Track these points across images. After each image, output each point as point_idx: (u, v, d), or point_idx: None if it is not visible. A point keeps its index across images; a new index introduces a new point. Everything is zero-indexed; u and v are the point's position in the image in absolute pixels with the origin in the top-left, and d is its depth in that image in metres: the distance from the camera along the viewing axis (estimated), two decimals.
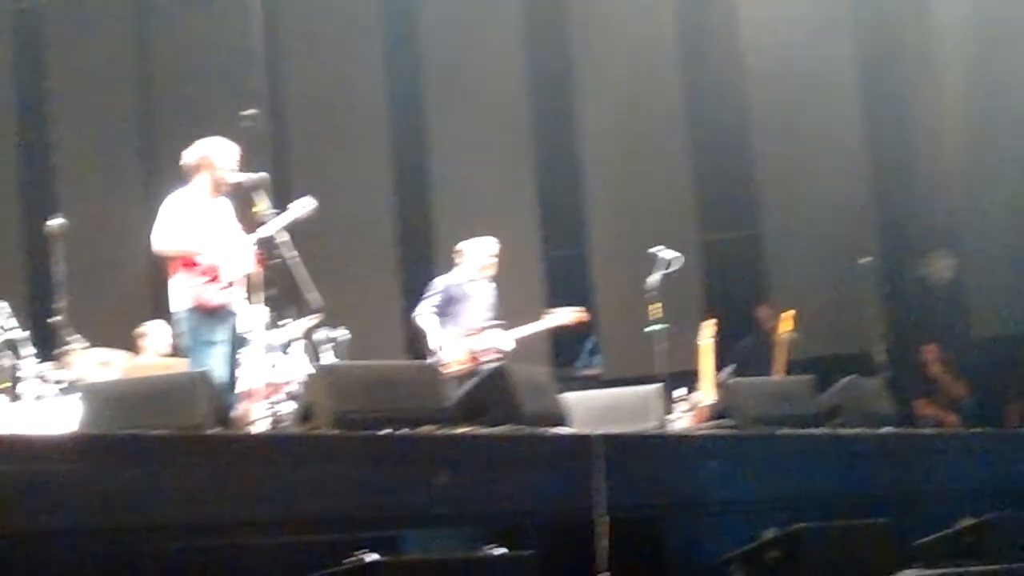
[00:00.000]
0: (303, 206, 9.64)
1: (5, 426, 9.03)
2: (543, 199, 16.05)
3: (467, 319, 11.55)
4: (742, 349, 13.74)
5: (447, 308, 11.54)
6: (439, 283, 11.71)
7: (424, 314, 11.58)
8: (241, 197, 9.30)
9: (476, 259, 11.71)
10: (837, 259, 14.21)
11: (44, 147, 16.41)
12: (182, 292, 9.21)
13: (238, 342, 9.35)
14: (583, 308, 11.65)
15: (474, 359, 11.32)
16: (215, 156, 9.36)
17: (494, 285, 11.80)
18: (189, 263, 9.18)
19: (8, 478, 5.79)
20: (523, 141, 16.21)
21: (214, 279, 9.19)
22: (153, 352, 11.41)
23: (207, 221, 9.31)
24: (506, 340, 11.52)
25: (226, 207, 9.42)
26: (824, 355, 13.33)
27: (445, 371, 10.48)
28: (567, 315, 11.74)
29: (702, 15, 16.04)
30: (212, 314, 9.16)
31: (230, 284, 9.19)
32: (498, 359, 11.17)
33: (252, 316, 9.44)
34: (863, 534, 8.03)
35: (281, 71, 16.58)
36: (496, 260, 11.76)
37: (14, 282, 14.53)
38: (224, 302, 9.17)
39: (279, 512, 6.50)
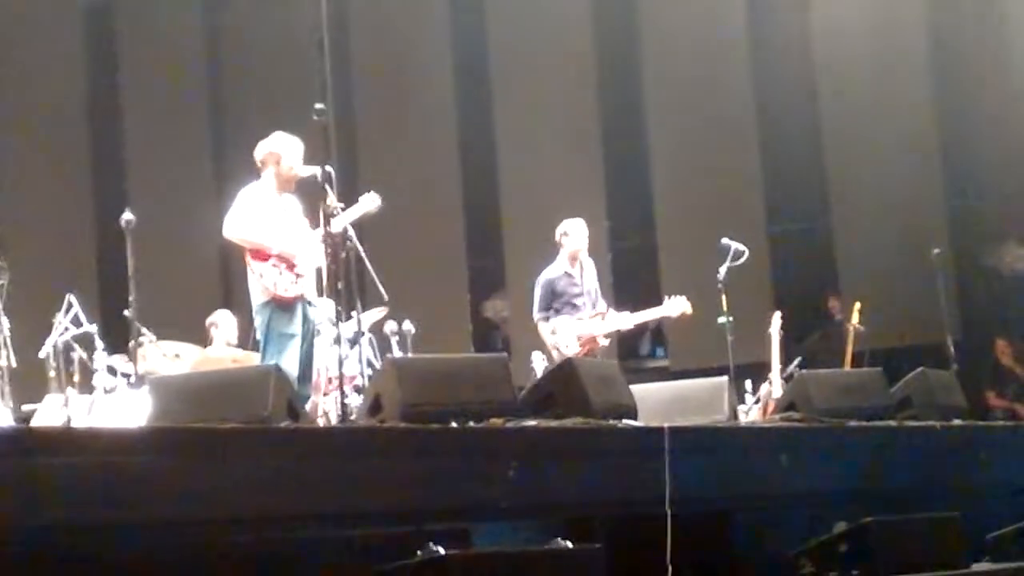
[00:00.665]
0: (370, 202, 9.67)
1: (77, 419, 9.11)
2: (610, 190, 16.03)
3: (577, 305, 11.45)
4: (807, 337, 13.68)
5: (556, 300, 11.45)
6: (543, 279, 11.59)
7: (538, 318, 11.49)
8: (309, 191, 9.33)
9: (574, 242, 11.59)
10: (907, 250, 14.11)
11: (115, 142, 16.53)
12: (257, 285, 9.24)
13: (310, 335, 9.38)
14: (686, 301, 11.44)
15: (589, 345, 11.26)
16: (281, 152, 9.39)
17: (593, 264, 11.70)
18: (262, 255, 9.20)
19: (80, 471, 5.85)
20: (591, 133, 16.20)
21: (287, 271, 9.22)
22: (223, 341, 11.47)
23: (278, 215, 9.34)
24: (620, 322, 11.45)
25: (293, 203, 9.46)
26: (894, 347, 13.26)
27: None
28: (678, 306, 11.47)
29: (772, 1, 15.98)
30: (286, 307, 9.17)
31: (301, 277, 9.21)
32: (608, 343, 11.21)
33: (320, 309, 9.47)
34: (933, 527, 7.97)
35: (349, 63, 16.63)
36: (586, 243, 11.66)
37: (85, 276, 14.66)
38: (297, 294, 9.19)
39: (348, 505, 6.53)
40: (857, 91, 15.31)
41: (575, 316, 11.35)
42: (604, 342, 11.43)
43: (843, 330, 12.70)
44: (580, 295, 11.46)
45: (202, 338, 11.65)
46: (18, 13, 16.06)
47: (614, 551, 6.78)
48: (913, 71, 15.19)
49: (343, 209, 9.06)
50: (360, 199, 9.68)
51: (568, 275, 11.51)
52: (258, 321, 9.31)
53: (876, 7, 15.20)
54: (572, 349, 11.11)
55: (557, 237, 11.67)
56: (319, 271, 9.24)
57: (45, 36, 16.14)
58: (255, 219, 9.22)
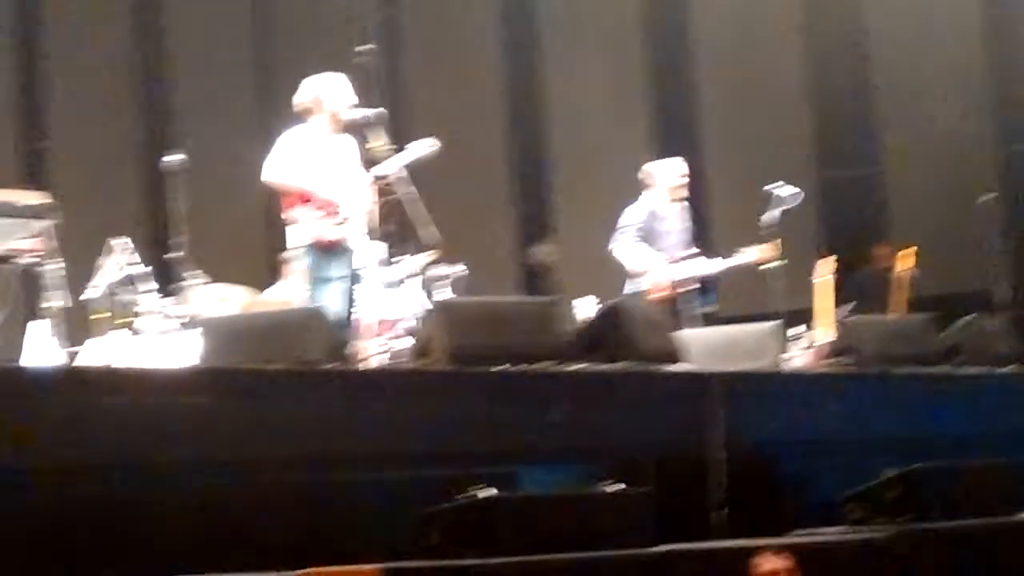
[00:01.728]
0: (425, 146, 9.61)
1: (127, 361, 9.15)
2: (658, 136, 15.93)
3: (665, 246, 11.27)
4: (857, 283, 13.57)
5: (645, 232, 11.22)
6: (632, 214, 11.36)
7: (622, 243, 11.23)
8: (357, 133, 9.31)
9: (666, 181, 11.38)
10: (958, 196, 13.99)
11: (162, 84, 16.53)
12: (299, 228, 9.20)
13: (356, 278, 9.35)
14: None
15: (675, 288, 11.10)
16: (327, 93, 9.32)
17: (687, 207, 11.53)
18: (304, 199, 9.14)
19: (129, 411, 5.88)
20: (638, 77, 16.10)
21: (330, 215, 9.17)
22: (296, 279, 11.38)
23: (323, 158, 9.28)
24: (710, 266, 11.28)
25: (347, 144, 9.37)
26: (945, 293, 13.15)
27: (647, 297, 10.45)
28: (763, 252, 11.27)
29: None
30: (329, 250, 9.12)
31: (346, 220, 9.17)
32: (696, 288, 11.12)
33: (369, 252, 9.45)
34: (983, 474, 7.92)
35: (396, 4, 16.58)
36: (687, 181, 11.50)
37: (135, 219, 14.68)
38: (340, 238, 9.14)
39: (395, 447, 6.55)
40: (909, 35, 15.14)
41: (662, 256, 11.15)
42: (694, 286, 11.25)
43: (894, 276, 12.60)
44: (669, 235, 11.27)
45: (261, 277, 11.60)
46: None
47: (662, 494, 6.76)
48: (965, 14, 15.01)
49: (395, 151, 9.02)
50: (414, 143, 9.64)
51: (658, 213, 11.28)
52: (302, 265, 9.28)
53: None
54: (657, 292, 10.94)
55: (647, 176, 11.46)
56: (368, 214, 9.22)
57: None
58: (294, 162, 9.17)
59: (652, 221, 11.16)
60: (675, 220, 11.30)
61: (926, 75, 15.07)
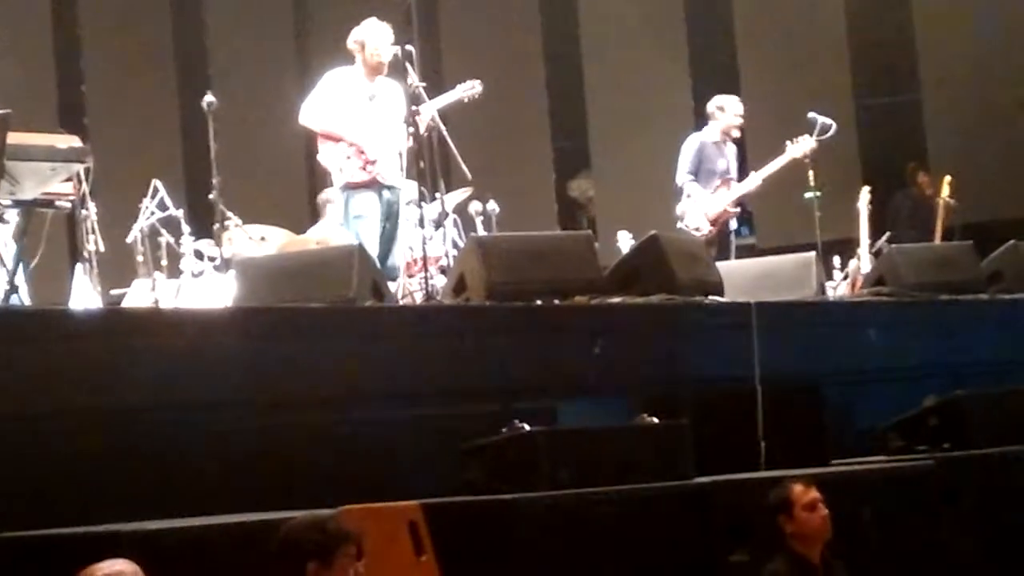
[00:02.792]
0: (469, 88, 9.66)
1: (165, 302, 9.18)
2: (696, 68, 15.84)
3: (713, 179, 11.32)
4: (896, 211, 13.51)
5: (699, 167, 11.30)
6: (692, 141, 11.45)
7: (683, 177, 11.30)
8: (393, 70, 9.30)
9: (725, 118, 11.46)
10: (997, 123, 13.88)
11: (197, 26, 16.53)
12: (331, 169, 9.36)
13: (393, 217, 9.40)
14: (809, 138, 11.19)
15: (717, 222, 11.14)
16: (365, 38, 9.41)
17: (735, 148, 11.55)
18: (332, 140, 9.31)
19: (168, 352, 5.90)
20: (675, 10, 15.99)
21: (358, 156, 9.27)
22: (335, 219, 11.43)
23: (358, 102, 9.37)
24: (748, 184, 11.29)
25: (387, 88, 9.44)
26: (985, 221, 13.07)
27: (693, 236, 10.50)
28: (802, 147, 11.21)
29: None
30: (360, 190, 9.25)
31: (373, 162, 9.25)
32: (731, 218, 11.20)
33: (404, 191, 9.49)
34: None
35: None
36: (742, 120, 11.55)
37: (171, 160, 14.72)
38: (367, 179, 9.25)
39: (434, 384, 6.56)
40: None
41: (708, 190, 11.18)
42: (735, 210, 11.28)
43: (933, 204, 12.52)
44: (723, 171, 11.32)
45: (299, 217, 11.62)
46: None
47: (702, 426, 6.75)
48: None
49: (425, 88, 9.04)
50: (459, 85, 9.69)
51: (717, 147, 11.35)
52: (338, 205, 9.41)
53: None
54: (703, 230, 10.98)
55: (710, 109, 11.51)
56: (403, 156, 9.25)
57: None
58: (329, 105, 9.30)
59: (705, 152, 11.25)
60: (727, 154, 11.36)
61: (966, 1, 14.92)
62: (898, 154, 14.96)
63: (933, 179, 13.12)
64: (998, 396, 7.80)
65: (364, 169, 9.26)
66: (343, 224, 9.42)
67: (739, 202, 11.36)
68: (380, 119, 9.32)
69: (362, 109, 9.34)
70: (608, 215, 14.82)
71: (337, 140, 9.30)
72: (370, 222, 9.19)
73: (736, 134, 11.43)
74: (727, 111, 11.39)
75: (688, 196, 11.11)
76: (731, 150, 11.43)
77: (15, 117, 7.24)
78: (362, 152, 9.27)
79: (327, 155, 9.39)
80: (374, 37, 9.40)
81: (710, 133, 11.39)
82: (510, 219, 11.41)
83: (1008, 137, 13.08)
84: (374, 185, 9.26)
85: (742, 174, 11.52)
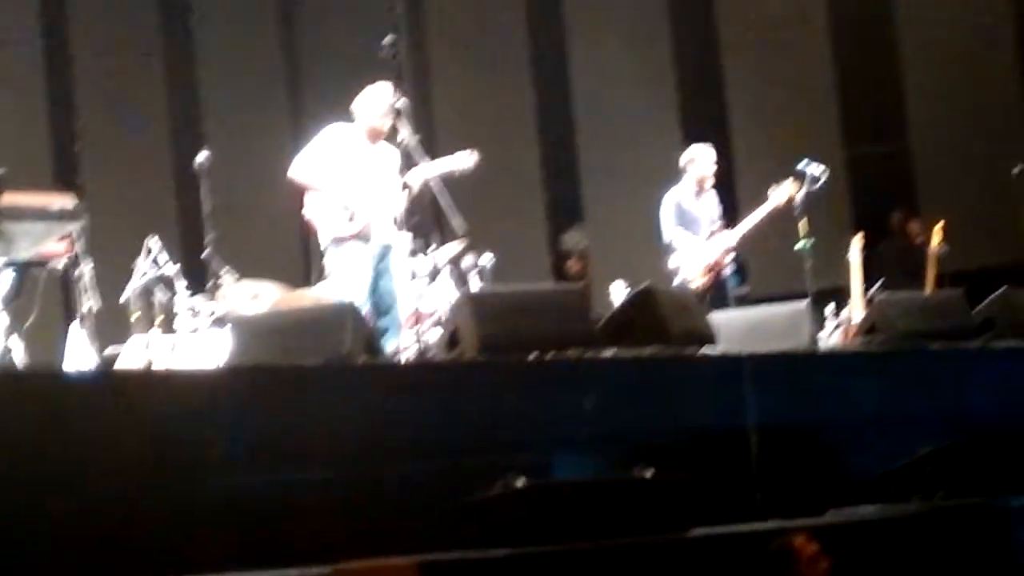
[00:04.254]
0: (466, 159, 9.72)
1: (160, 360, 9.20)
2: (685, 117, 15.92)
3: (700, 229, 11.43)
4: (888, 259, 13.55)
5: (682, 221, 11.43)
6: (668, 199, 11.58)
7: (671, 232, 11.46)
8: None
9: (697, 168, 11.58)
10: (987, 169, 13.93)
11: (191, 82, 16.59)
12: (316, 223, 9.44)
13: (387, 273, 9.45)
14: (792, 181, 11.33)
15: (712, 272, 11.23)
16: (373, 103, 9.51)
17: (715, 194, 11.65)
18: (320, 194, 9.37)
19: (163, 411, 5.91)
20: (665, 59, 16.08)
21: (343, 211, 9.34)
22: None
23: (352, 162, 9.44)
24: (736, 232, 11.40)
25: (385, 153, 9.51)
26: (976, 267, 13.11)
27: (689, 288, 10.65)
28: (784, 192, 11.35)
29: None
30: (347, 243, 9.32)
31: (361, 216, 9.31)
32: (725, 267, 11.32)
33: (398, 245, 9.53)
34: (1018, 450, 7.88)
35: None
36: (715, 167, 11.63)
37: (165, 217, 14.75)
38: (354, 233, 9.30)
39: (429, 439, 6.56)
40: (934, 8, 15.08)
41: (695, 242, 11.29)
42: (728, 259, 11.37)
43: (924, 252, 12.57)
44: (708, 220, 11.43)
45: (293, 273, 11.65)
46: None
47: (697, 478, 6.76)
48: None
49: (419, 141, 9.09)
50: (456, 154, 9.75)
51: (695, 198, 11.49)
52: (327, 260, 9.46)
53: None
54: (699, 281, 11.08)
55: (682, 163, 11.67)
56: (396, 215, 9.29)
57: None
58: (319, 159, 9.37)
59: (683, 207, 11.34)
60: (706, 205, 11.44)
61: (954, 47, 15.00)
62: (889, 202, 15.02)
63: (924, 226, 13.16)
64: (990, 446, 7.81)
65: (351, 222, 9.31)
66: (329, 278, 9.48)
67: (731, 250, 11.43)
68: (374, 180, 9.38)
69: (357, 168, 9.41)
70: (602, 266, 14.86)
71: (325, 196, 9.35)
72: (358, 276, 9.23)
73: (711, 182, 11.51)
74: (698, 161, 11.53)
75: (678, 249, 11.19)
76: (711, 199, 11.52)
77: (9, 176, 7.28)
78: (349, 208, 9.33)
79: (314, 209, 9.45)
80: (381, 103, 9.46)
81: (685, 186, 11.52)
82: (504, 272, 11.45)
83: (997, 183, 13.10)
84: (360, 240, 9.32)
85: (733, 223, 11.59)
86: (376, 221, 9.35)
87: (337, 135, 9.54)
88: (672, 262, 11.31)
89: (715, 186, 11.69)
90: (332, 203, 9.36)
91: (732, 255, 11.46)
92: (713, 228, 11.38)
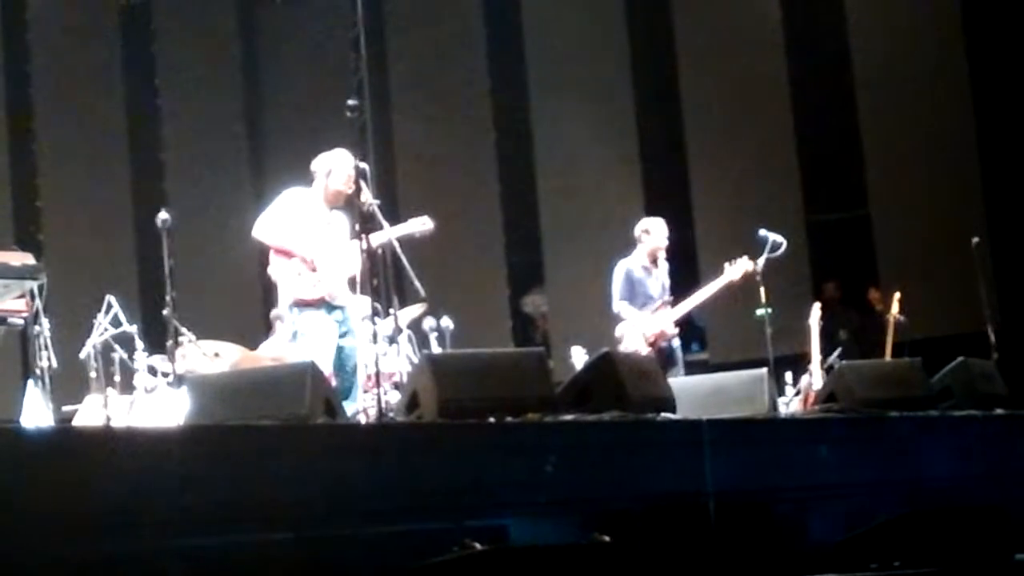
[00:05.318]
0: (420, 224, 9.75)
1: (117, 419, 9.16)
2: (647, 183, 16.00)
3: (644, 302, 11.51)
4: (846, 327, 13.63)
5: (631, 292, 11.53)
6: (619, 268, 11.66)
7: (618, 303, 11.57)
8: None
9: (651, 240, 11.66)
10: (946, 239, 14.04)
11: (153, 143, 16.60)
12: (282, 287, 9.43)
13: (349, 335, 9.45)
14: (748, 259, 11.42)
15: (654, 345, 11.28)
16: (333, 168, 9.54)
17: (667, 266, 11.72)
18: (284, 255, 9.37)
19: (119, 470, 5.88)
20: (627, 126, 16.18)
21: (307, 273, 9.34)
22: (286, 336, 11.48)
23: (311, 222, 9.46)
24: (687, 304, 11.47)
25: (340, 219, 9.55)
26: (934, 337, 13.18)
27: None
28: (740, 268, 11.44)
29: None
30: (309, 308, 9.32)
31: (324, 281, 9.32)
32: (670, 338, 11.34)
33: (356, 306, 9.53)
34: (977, 518, 7.91)
35: (385, 59, 16.66)
36: (667, 243, 11.69)
37: (125, 276, 14.72)
38: (318, 297, 9.31)
39: (386, 501, 6.53)
40: (894, 78, 15.22)
41: (645, 312, 11.40)
42: (674, 331, 11.42)
43: (883, 320, 12.63)
44: (654, 292, 11.51)
45: (253, 334, 11.65)
46: (57, 16, 16.16)
47: (654, 543, 6.76)
48: (950, 59, 15.08)
49: (379, 206, 9.10)
50: (411, 220, 9.78)
51: (645, 269, 11.58)
52: (287, 322, 9.45)
53: None
54: (641, 352, 11.13)
55: (636, 234, 11.75)
56: (353, 279, 9.30)
57: (83, 38, 16.23)
58: (284, 221, 9.38)
59: (633, 277, 11.45)
60: (655, 277, 11.52)
61: (913, 118, 15.14)
62: (848, 270, 15.11)
63: (883, 295, 13.24)
64: (948, 514, 7.83)
65: (314, 287, 9.32)
66: (291, 340, 9.46)
67: (679, 322, 11.49)
68: (332, 244, 9.41)
69: (316, 231, 9.43)
70: (562, 330, 14.89)
71: (290, 256, 9.36)
72: (319, 339, 9.24)
73: (663, 256, 11.60)
74: (652, 234, 11.63)
75: (624, 319, 11.30)
76: (662, 271, 11.62)
77: None
78: (313, 270, 9.33)
79: (278, 270, 9.45)
80: (340, 169, 9.49)
81: (637, 257, 11.62)
82: (464, 335, 11.46)
83: (956, 253, 13.19)
84: (323, 304, 9.33)
85: (691, 290, 11.64)
86: (336, 286, 9.38)
87: (298, 198, 9.55)
88: (618, 330, 11.41)
89: (669, 258, 11.75)
90: (296, 265, 9.36)
91: (676, 329, 11.48)
92: (662, 301, 11.46)
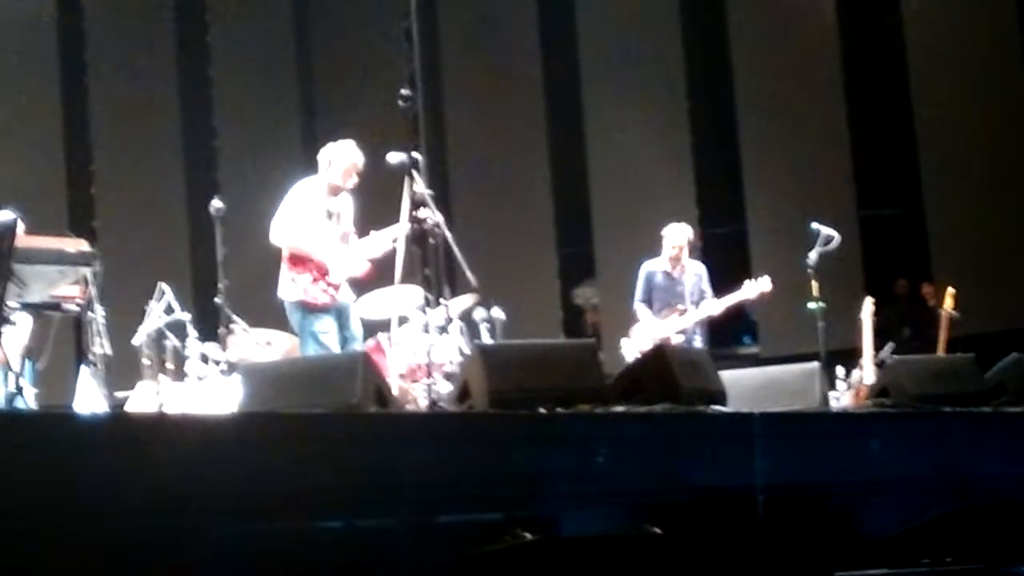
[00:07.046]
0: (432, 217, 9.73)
1: (170, 406, 9.20)
2: (699, 176, 15.97)
3: (662, 306, 11.56)
4: (900, 322, 13.57)
5: (652, 293, 11.60)
6: (643, 269, 11.73)
7: (636, 304, 11.63)
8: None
9: (670, 243, 11.69)
10: (1000, 234, 13.95)
11: (206, 131, 16.67)
12: (288, 285, 9.48)
13: (350, 339, 9.55)
14: (769, 280, 11.45)
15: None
16: (336, 159, 9.70)
17: (700, 268, 11.73)
18: (299, 260, 9.46)
19: (172, 457, 5.90)
20: (680, 119, 16.14)
21: (319, 279, 9.43)
22: None
23: (322, 220, 9.55)
24: (700, 313, 11.48)
25: (345, 205, 9.65)
26: (988, 332, 13.10)
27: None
28: (757, 287, 11.49)
29: None
30: (316, 309, 9.42)
31: (336, 287, 9.43)
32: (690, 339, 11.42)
33: (410, 296, 9.56)
34: None
35: (439, 50, 16.68)
36: (685, 247, 11.68)
37: (178, 264, 14.80)
38: (327, 302, 9.41)
39: (437, 491, 6.54)
40: (949, 73, 15.14)
41: (659, 316, 11.46)
42: (679, 339, 11.43)
43: (936, 316, 12.55)
44: (676, 295, 11.52)
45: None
46: (112, 4, 16.24)
47: (704, 536, 6.74)
48: (1005, 55, 14.99)
49: (431, 195, 9.12)
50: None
51: (667, 273, 11.61)
52: (293, 320, 9.58)
53: None
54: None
55: (666, 236, 11.77)
56: (406, 255, 9.35)
57: (137, 28, 16.31)
58: (299, 223, 9.44)
59: (653, 280, 11.50)
60: (686, 281, 11.50)
61: (968, 112, 15.05)
62: (901, 264, 15.04)
63: (937, 290, 13.16)
64: (1001, 511, 7.78)
65: (324, 292, 9.42)
66: (301, 339, 9.56)
67: (683, 329, 11.48)
68: (337, 236, 9.52)
69: (322, 227, 9.53)
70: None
71: (304, 261, 9.45)
72: (326, 338, 9.37)
73: (687, 259, 11.59)
74: (667, 237, 11.69)
75: (639, 320, 11.39)
76: (689, 275, 11.58)
77: (24, 220, 7.31)
78: (325, 275, 9.43)
79: (291, 271, 9.53)
80: (344, 160, 9.60)
81: (660, 260, 11.63)
82: (515, 326, 11.45)
83: (1010, 248, 13.12)
84: (331, 307, 9.45)
85: (731, 289, 11.61)
86: (344, 287, 9.51)
87: (302, 192, 9.66)
88: (631, 332, 11.50)
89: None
90: (310, 270, 9.46)
91: (681, 337, 11.48)
92: (672, 307, 11.50)
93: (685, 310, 11.48)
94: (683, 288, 11.59)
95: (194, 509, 5.89)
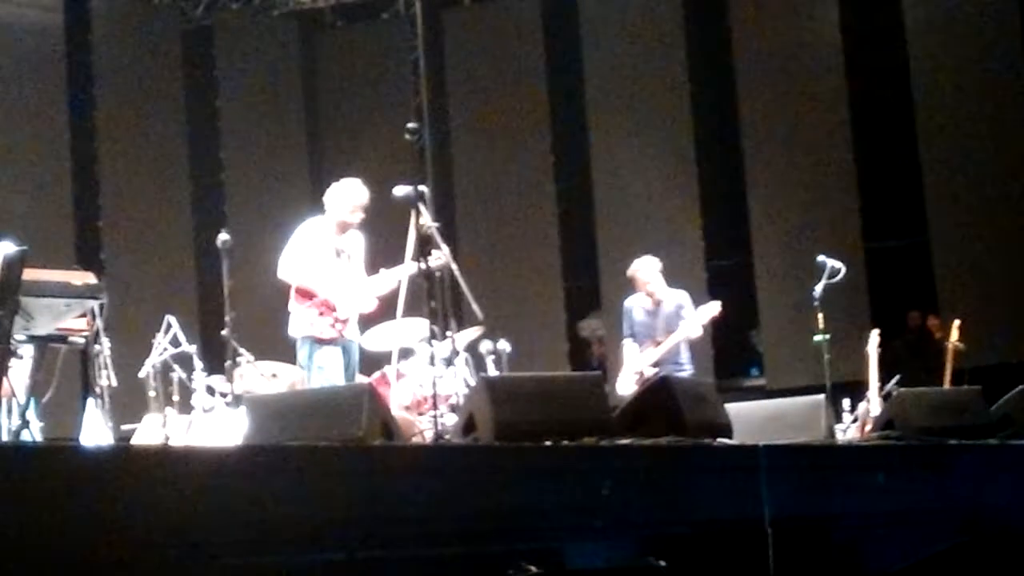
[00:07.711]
0: (435, 259, 9.74)
1: (176, 438, 9.21)
2: (706, 209, 15.99)
3: (643, 338, 11.62)
4: (905, 354, 13.55)
5: (632, 329, 11.67)
6: (625, 306, 11.87)
7: (623, 341, 11.76)
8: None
9: (639, 280, 11.75)
10: (1005, 266, 13.94)
11: (214, 164, 16.71)
12: (297, 320, 9.51)
13: (352, 367, 9.56)
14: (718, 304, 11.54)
15: (643, 383, 11.34)
16: (343, 198, 9.73)
17: (682, 296, 11.74)
18: (306, 295, 9.51)
19: (178, 490, 5.90)
20: (686, 151, 16.17)
21: (326, 313, 9.47)
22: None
23: (329, 257, 9.59)
24: (652, 357, 11.54)
25: (354, 242, 9.68)
26: (994, 364, 13.09)
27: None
28: (705, 313, 11.56)
29: (865, 18, 15.88)
30: (324, 344, 9.45)
31: (344, 321, 9.46)
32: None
33: (414, 329, 9.58)
34: None
35: (444, 84, 16.72)
36: (657, 279, 11.69)
37: (185, 297, 14.82)
38: (334, 336, 9.45)
39: (441, 523, 6.54)
40: (954, 107, 15.16)
41: (640, 349, 11.56)
42: (653, 370, 11.47)
43: (942, 348, 12.55)
44: (653, 328, 11.57)
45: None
46: (120, 41, 16.30)
47: (709, 569, 6.73)
48: (1012, 83, 15.01)
49: (437, 228, 9.13)
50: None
51: (645, 309, 11.66)
52: (301, 355, 9.64)
53: (972, 15, 15.07)
54: (629, 386, 11.29)
55: (635, 271, 11.85)
56: (412, 286, 9.39)
57: (146, 62, 16.36)
58: (307, 260, 9.49)
59: (631, 316, 11.56)
60: (663, 312, 11.55)
61: (973, 144, 15.07)
62: (907, 297, 15.04)
63: (942, 323, 13.15)
64: (1007, 543, 7.77)
65: (331, 327, 9.46)
66: (308, 372, 9.58)
67: (657, 363, 11.50)
68: (346, 274, 9.55)
69: (331, 264, 9.56)
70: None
71: (311, 296, 9.48)
72: (333, 373, 9.38)
73: (659, 292, 11.62)
74: (637, 276, 11.74)
75: (625, 355, 11.48)
76: (668, 307, 11.63)
77: (31, 253, 7.32)
78: (332, 311, 9.46)
79: (299, 306, 9.59)
80: (350, 199, 9.64)
81: (639, 296, 11.71)
82: (521, 358, 11.47)
83: (1016, 280, 13.11)
84: (338, 342, 9.48)
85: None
86: (351, 323, 9.54)
87: (311, 231, 9.70)
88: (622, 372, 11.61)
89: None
90: (317, 305, 9.50)
91: (655, 369, 11.50)
92: (649, 339, 11.56)
93: (660, 341, 11.53)
94: (661, 320, 11.65)
95: (199, 542, 5.89)
